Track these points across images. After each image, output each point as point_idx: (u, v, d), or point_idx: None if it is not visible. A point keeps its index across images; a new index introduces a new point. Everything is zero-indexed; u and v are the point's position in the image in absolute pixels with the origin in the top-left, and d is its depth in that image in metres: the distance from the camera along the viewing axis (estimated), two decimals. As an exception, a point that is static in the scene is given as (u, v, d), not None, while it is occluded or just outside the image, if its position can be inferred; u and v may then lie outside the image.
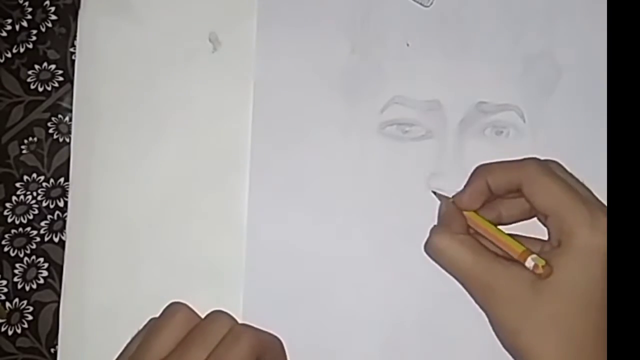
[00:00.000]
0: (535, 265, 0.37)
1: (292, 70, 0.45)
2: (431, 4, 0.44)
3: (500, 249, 0.39)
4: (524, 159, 0.41)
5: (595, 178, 0.40)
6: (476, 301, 0.39)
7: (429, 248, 0.40)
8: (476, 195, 0.40)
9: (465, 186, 0.42)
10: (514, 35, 0.45)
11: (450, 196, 0.41)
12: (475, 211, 0.40)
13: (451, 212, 0.41)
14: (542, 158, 0.40)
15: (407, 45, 0.45)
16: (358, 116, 0.44)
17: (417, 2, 0.44)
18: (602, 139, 0.42)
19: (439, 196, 0.42)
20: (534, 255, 0.38)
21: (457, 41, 0.45)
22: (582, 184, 0.40)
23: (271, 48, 0.45)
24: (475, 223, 0.40)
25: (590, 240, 0.37)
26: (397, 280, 0.43)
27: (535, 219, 0.41)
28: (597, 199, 0.39)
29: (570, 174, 0.40)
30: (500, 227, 0.41)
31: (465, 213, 0.40)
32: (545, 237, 0.40)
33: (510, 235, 0.40)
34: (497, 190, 0.40)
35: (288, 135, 0.45)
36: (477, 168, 0.41)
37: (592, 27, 0.44)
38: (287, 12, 0.45)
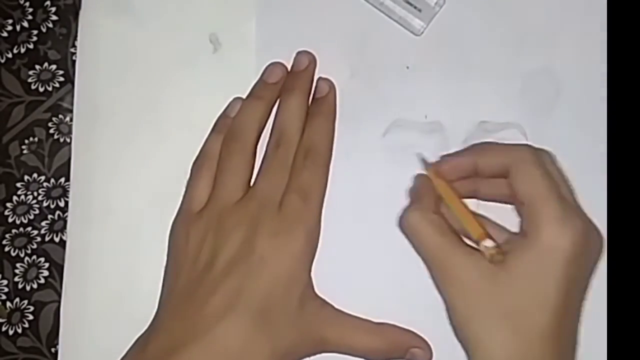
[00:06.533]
0: (486, 248, 0.37)
1: None
2: (422, 33, 0.44)
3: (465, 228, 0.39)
4: (518, 145, 0.40)
5: (595, 190, 0.40)
6: (436, 286, 0.38)
7: (401, 224, 0.39)
8: (458, 170, 0.40)
9: (451, 155, 0.41)
10: (512, 53, 0.44)
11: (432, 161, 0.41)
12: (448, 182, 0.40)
13: (425, 188, 0.40)
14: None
15: (407, 68, 0.45)
16: (360, 140, 0.44)
17: (409, 31, 0.44)
18: (603, 153, 0.42)
19: (422, 162, 0.41)
20: (488, 240, 0.37)
21: (456, 61, 0.44)
22: (567, 182, 0.39)
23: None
24: (444, 193, 0.39)
25: (556, 240, 0.36)
26: (400, 283, 0.43)
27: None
28: (576, 200, 0.39)
29: (559, 169, 0.39)
30: (479, 201, 0.41)
31: (437, 180, 0.40)
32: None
33: (479, 217, 0.40)
34: (484, 173, 0.39)
35: None
36: (471, 146, 0.41)
37: (591, 42, 0.44)
38: (285, 40, 0.45)
